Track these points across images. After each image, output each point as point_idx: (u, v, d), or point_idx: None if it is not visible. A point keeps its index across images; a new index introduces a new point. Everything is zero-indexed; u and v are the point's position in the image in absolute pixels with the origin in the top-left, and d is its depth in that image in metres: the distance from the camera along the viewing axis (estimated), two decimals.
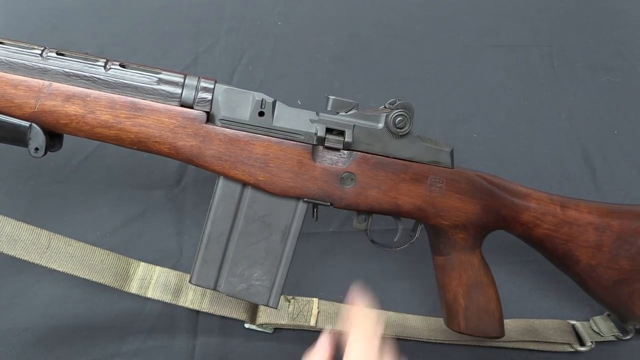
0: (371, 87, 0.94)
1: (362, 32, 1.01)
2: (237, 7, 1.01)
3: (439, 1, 1.05)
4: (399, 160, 0.63)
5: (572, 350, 0.76)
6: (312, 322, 0.74)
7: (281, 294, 0.64)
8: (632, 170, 0.90)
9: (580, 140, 0.93)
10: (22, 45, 0.58)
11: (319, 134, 0.61)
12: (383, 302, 0.79)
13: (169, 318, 0.75)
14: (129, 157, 0.86)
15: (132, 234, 0.78)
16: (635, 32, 1.03)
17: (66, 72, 0.58)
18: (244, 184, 0.62)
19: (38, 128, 0.57)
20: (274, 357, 0.74)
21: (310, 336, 0.75)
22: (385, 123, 0.62)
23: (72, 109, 0.57)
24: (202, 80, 0.60)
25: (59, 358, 0.72)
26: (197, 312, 0.75)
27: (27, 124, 0.57)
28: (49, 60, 0.57)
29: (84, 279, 0.76)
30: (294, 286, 0.78)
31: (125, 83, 0.58)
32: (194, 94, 0.59)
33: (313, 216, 0.66)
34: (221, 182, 0.62)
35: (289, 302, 0.75)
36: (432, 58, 0.99)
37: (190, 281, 0.63)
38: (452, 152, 0.65)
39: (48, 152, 0.59)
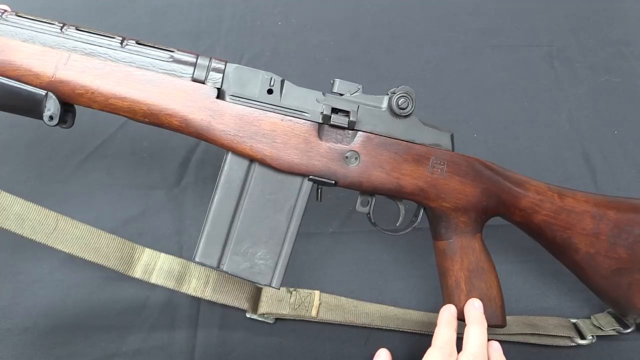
0: (371, 87, 0.93)
1: (362, 32, 1.01)
2: (237, 7, 1.01)
3: (439, 1, 1.05)
4: (402, 142, 0.64)
5: (573, 344, 0.76)
6: (314, 313, 0.74)
7: (284, 275, 0.65)
8: (632, 170, 0.90)
9: (580, 140, 0.93)
10: (43, 20, 0.61)
11: (325, 113, 0.63)
12: (383, 302, 0.79)
13: (169, 318, 0.75)
14: (129, 157, 0.86)
15: (132, 234, 0.78)
16: (635, 32, 1.04)
17: (84, 45, 0.60)
18: (251, 160, 0.63)
19: (54, 97, 0.59)
20: (275, 347, 0.74)
21: (311, 327, 0.76)
22: (389, 104, 0.64)
23: (88, 79, 0.59)
24: (214, 60, 0.62)
25: (59, 358, 0.71)
26: (198, 311, 0.75)
27: (43, 92, 0.59)
28: (69, 34, 0.60)
29: (84, 279, 0.76)
30: (294, 285, 0.78)
31: (140, 58, 0.61)
32: (205, 73, 0.62)
33: (317, 198, 0.67)
34: (229, 157, 0.63)
35: (291, 293, 0.75)
36: (432, 58, 0.99)
37: (194, 258, 0.63)
38: (452, 136, 0.67)
39: (60, 127, 0.61)
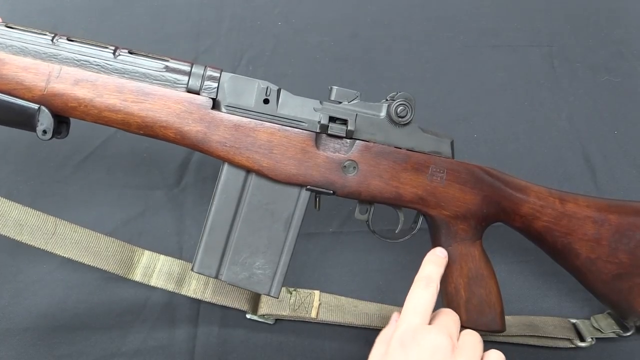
0: (371, 87, 0.94)
1: (362, 32, 1.01)
2: (237, 7, 1.01)
3: (439, 1, 1.05)
4: (401, 150, 0.64)
5: (573, 346, 0.76)
6: (313, 314, 0.74)
7: (282, 284, 0.64)
8: (632, 170, 0.90)
9: (580, 140, 0.93)
10: (33, 31, 0.59)
11: (322, 122, 0.62)
12: (383, 303, 0.78)
13: (169, 318, 0.75)
14: (129, 157, 0.86)
15: (132, 234, 0.78)
16: (635, 32, 1.04)
17: (76, 56, 0.59)
18: (248, 171, 0.63)
19: (47, 110, 0.58)
20: (275, 347, 0.74)
21: (311, 327, 0.76)
22: (387, 112, 0.63)
23: (81, 92, 0.59)
24: (209, 68, 0.61)
25: (59, 358, 0.71)
26: (198, 311, 0.75)
27: (36, 106, 0.58)
28: (60, 45, 0.59)
29: (84, 279, 0.76)
30: (294, 285, 0.78)
31: (133, 69, 0.60)
32: (200, 82, 0.61)
33: (315, 206, 0.66)
34: (225, 168, 0.63)
35: (291, 293, 0.75)
36: (432, 58, 0.99)
37: (192, 269, 0.63)
38: (452, 143, 0.66)
39: (55, 138, 0.60)
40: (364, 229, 0.80)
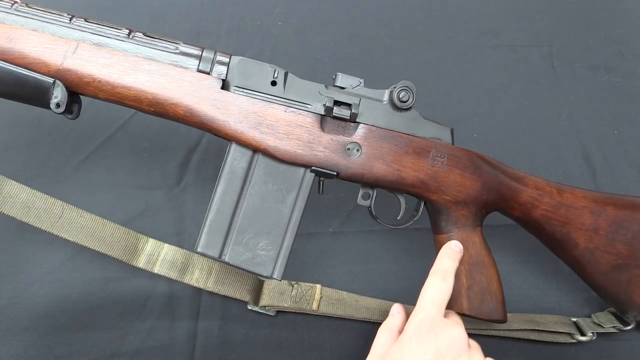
0: (371, 87, 0.93)
1: (362, 32, 1.01)
2: (237, 7, 1.01)
3: (439, 1, 1.05)
4: (403, 134, 0.66)
5: (573, 341, 0.76)
6: (314, 306, 0.75)
7: (285, 266, 0.65)
8: (632, 170, 0.90)
9: (580, 140, 0.93)
10: (52, 11, 0.62)
11: (327, 105, 0.64)
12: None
13: (169, 317, 0.75)
14: (129, 157, 0.86)
15: None
16: (635, 32, 1.04)
17: (93, 35, 0.62)
18: (254, 151, 0.64)
19: (62, 85, 0.61)
20: (276, 339, 0.75)
21: (311, 320, 0.76)
22: (390, 98, 0.66)
23: (96, 68, 0.61)
24: (219, 53, 0.64)
25: (59, 358, 0.72)
26: (198, 310, 0.75)
27: (51, 80, 0.61)
28: (78, 24, 0.62)
29: (83, 279, 0.76)
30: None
31: (147, 49, 0.63)
32: (210, 65, 0.63)
33: (319, 190, 0.67)
34: (232, 148, 0.64)
35: (292, 286, 0.76)
36: (432, 58, 0.99)
37: (196, 249, 0.64)
38: (452, 131, 0.68)
39: (66, 116, 0.63)
40: (364, 228, 0.80)
